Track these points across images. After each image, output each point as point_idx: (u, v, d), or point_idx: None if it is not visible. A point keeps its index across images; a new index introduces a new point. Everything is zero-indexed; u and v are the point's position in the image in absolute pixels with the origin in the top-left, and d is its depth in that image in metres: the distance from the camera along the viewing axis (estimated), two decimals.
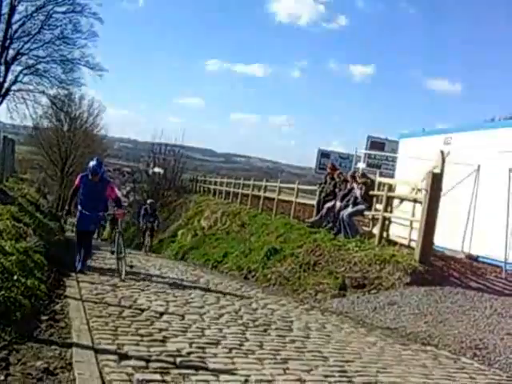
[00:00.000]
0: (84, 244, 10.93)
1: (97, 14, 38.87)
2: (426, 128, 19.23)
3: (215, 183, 37.27)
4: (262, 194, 24.87)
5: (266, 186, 25.19)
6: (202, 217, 28.80)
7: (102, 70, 40.46)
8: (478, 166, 13.51)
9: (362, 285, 10.59)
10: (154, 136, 45.99)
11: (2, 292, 5.66)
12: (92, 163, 10.84)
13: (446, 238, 13.43)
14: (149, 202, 23.41)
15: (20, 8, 36.90)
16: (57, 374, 4.54)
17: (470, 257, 12.72)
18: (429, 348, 7.03)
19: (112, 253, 12.87)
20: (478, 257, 12.76)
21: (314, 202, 17.62)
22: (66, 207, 11.62)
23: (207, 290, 10.12)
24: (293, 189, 21.24)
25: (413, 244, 11.67)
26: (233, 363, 5.43)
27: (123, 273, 10.30)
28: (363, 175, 14.87)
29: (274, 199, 22.69)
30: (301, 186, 20.96)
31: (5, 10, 36.18)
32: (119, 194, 12.64)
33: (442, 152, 11.87)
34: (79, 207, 10.97)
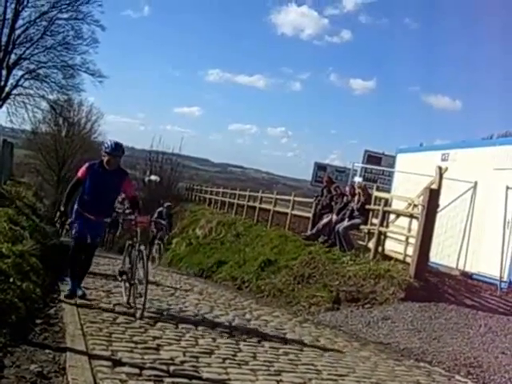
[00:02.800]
0: (84, 260, 8.22)
1: (99, 22, 39.50)
2: (424, 144, 19.31)
3: (211, 193, 37.31)
4: (257, 204, 24.91)
5: (261, 197, 25.22)
6: (197, 226, 28.79)
7: (102, 76, 40.95)
8: (475, 183, 13.55)
9: (356, 299, 10.56)
10: (151, 144, 46.18)
11: None
12: (111, 141, 8.07)
13: (440, 255, 13.46)
14: (165, 205, 20.57)
15: (24, 14, 37.54)
16: (50, 378, 4.54)
17: (464, 274, 12.74)
18: (422, 364, 7.00)
19: (121, 274, 8.47)
20: (472, 274, 12.77)
21: (310, 215, 17.64)
22: (62, 207, 8.14)
23: (201, 299, 10.07)
24: (288, 201, 21.25)
25: (408, 259, 11.66)
26: (226, 373, 5.40)
27: (139, 309, 7.37)
28: (364, 187, 14.89)
29: (269, 210, 22.70)
30: (297, 198, 20.95)
31: (9, 15, 36.67)
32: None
33: (440, 168, 11.90)
34: (78, 208, 7.98)
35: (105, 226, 8.64)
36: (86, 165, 8.09)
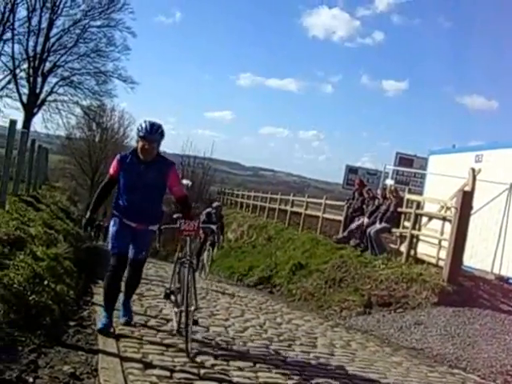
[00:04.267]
0: (128, 282, 6.54)
1: (130, 29, 40.50)
2: (458, 145, 19.03)
3: (242, 196, 37.45)
4: (288, 208, 24.90)
5: (293, 201, 25.20)
6: (228, 229, 28.83)
7: (133, 82, 41.87)
8: (511, 185, 13.30)
9: (388, 303, 10.46)
10: (183, 148, 46.54)
11: (33, 296, 5.73)
12: (145, 122, 6.12)
13: (475, 258, 13.24)
14: (214, 205, 17.18)
15: (58, 22, 38.75)
16: (83, 380, 4.58)
17: (500, 278, 12.49)
18: (456, 371, 6.89)
19: (167, 296, 6.82)
20: (508, 278, 12.52)
21: (341, 218, 17.55)
22: (87, 214, 6.44)
23: (232, 302, 10.07)
24: (320, 204, 21.18)
25: (441, 263, 11.51)
26: (256, 377, 5.38)
27: (189, 344, 5.73)
28: (395, 191, 14.77)
29: (300, 214, 22.66)
30: (328, 202, 20.89)
31: (44, 24, 37.60)
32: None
33: (473, 170, 11.74)
34: (115, 212, 6.32)
35: (152, 236, 6.43)
36: (117, 157, 6.32)
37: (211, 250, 15.60)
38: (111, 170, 6.28)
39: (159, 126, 6.10)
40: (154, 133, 6.04)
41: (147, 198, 6.16)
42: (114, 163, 6.25)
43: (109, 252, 6.47)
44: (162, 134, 6.15)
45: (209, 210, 16.46)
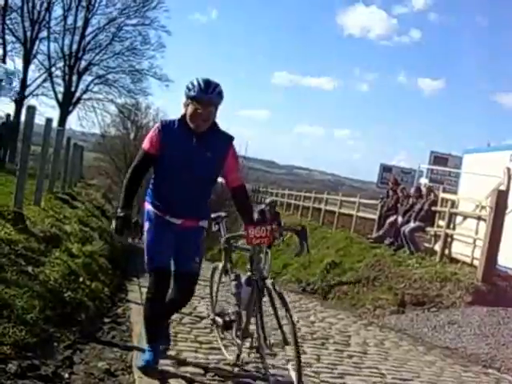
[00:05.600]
0: (170, 305, 4.80)
1: (165, 27, 40.62)
2: (492, 144, 18.78)
3: (277, 195, 37.53)
4: (322, 206, 24.89)
5: (327, 199, 25.19)
6: None
7: (168, 80, 41.92)
8: None
9: (422, 302, 10.42)
10: None
11: (69, 293, 5.83)
12: (198, 79, 4.36)
13: (510, 258, 13.07)
14: (267, 201, 15.24)
15: (93, 21, 39.13)
16: (117, 376, 4.64)
17: None
18: (491, 371, 6.84)
19: (228, 326, 5.39)
20: None
21: (375, 217, 17.49)
22: (120, 212, 4.41)
23: (265, 301, 10.09)
24: (354, 202, 21.14)
25: (476, 262, 11.41)
26: (290, 375, 5.41)
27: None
28: (430, 189, 14.67)
29: (334, 212, 22.66)
30: (362, 200, 20.83)
31: (79, 23, 38.12)
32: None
33: (509, 169, 11.61)
34: (150, 207, 4.62)
35: (203, 235, 4.79)
36: (158, 126, 4.55)
37: (269, 253, 12.58)
38: (147, 145, 4.56)
39: (217, 85, 4.40)
40: (210, 92, 4.34)
41: (199, 183, 4.54)
42: (153, 134, 4.52)
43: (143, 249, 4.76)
44: (220, 95, 4.43)
45: (262, 207, 14.68)
